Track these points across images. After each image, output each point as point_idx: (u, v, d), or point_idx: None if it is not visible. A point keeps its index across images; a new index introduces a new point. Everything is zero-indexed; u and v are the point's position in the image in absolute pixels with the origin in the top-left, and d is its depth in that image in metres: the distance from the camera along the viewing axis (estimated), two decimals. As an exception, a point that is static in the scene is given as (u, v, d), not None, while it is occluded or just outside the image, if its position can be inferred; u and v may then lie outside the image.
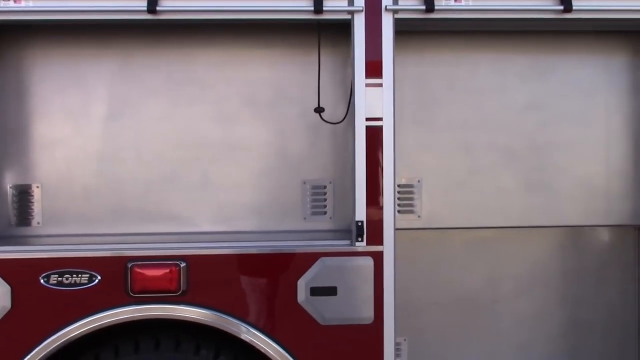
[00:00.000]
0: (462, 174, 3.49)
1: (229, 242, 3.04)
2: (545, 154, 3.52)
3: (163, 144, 3.35)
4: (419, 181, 3.49)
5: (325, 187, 3.41)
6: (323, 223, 3.41)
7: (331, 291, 2.99)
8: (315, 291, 2.99)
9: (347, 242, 3.04)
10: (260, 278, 3.01)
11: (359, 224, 3.02)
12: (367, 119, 3.03)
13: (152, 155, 3.34)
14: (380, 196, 3.04)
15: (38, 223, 3.27)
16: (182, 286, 2.94)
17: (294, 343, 3.01)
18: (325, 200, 3.42)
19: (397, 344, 3.92)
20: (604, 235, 4.02)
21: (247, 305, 3.00)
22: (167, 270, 2.92)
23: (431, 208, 3.49)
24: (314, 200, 3.41)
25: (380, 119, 3.03)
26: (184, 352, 2.99)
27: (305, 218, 3.42)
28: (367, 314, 3.01)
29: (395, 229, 3.09)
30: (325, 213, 3.42)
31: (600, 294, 3.99)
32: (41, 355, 2.88)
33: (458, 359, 3.94)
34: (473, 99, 3.50)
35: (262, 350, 2.98)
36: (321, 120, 3.24)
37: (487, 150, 3.50)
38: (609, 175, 3.54)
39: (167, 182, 3.35)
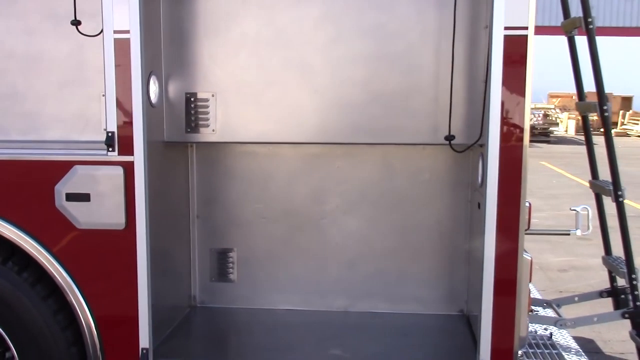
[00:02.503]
0: (257, 89, 3.48)
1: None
2: (340, 68, 3.43)
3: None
4: (213, 95, 3.52)
5: None
6: (124, 135, 3.54)
7: (84, 197, 3.16)
8: (69, 197, 3.17)
9: (102, 151, 3.17)
10: (24, 184, 3.22)
11: (109, 134, 3.14)
12: (115, 32, 3.08)
13: None
14: (131, 109, 3.12)
15: None
16: (-47, 190, 3.21)
17: (55, 244, 3.23)
18: (124, 112, 3.53)
19: (226, 252, 4.08)
20: (439, 154, 3.90)
21: (14, 208, 3.23)
22: None
23: (225, 122, 3.53)
24: (112, 113, 3.53)
25: (127, 32, 3.07)
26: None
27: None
28: (118, 219, 3.17)
29: (147, 141, 3.17)
30: (123, 124, 3.54)
31: (431, 215, 3.92)
32: None
33: (286, 271, 4.05)
34: (266, 12, 3.44)
35: (27, 251, 3.23)
36: None
37: (281, 64, 3.46)
38: (408, 91, 3.40)
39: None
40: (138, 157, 3.14)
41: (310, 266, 4.04)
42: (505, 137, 2.96)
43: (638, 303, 3.45)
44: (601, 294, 3.72)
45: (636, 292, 3.45)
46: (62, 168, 3.18)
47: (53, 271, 3.23)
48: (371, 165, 3.95)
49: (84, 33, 3.21)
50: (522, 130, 2.96)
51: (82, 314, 3.26)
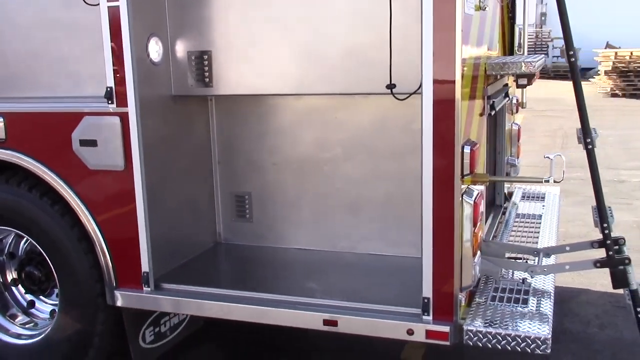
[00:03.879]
0: (243, 46, 3.83)
1: (31, 104, 3.93)
2: (317, 24, 3.66)
3: (28, 25, 4.19)
4: (209, 53, 3.92)
5: None
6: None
7: (93, 143, 3.76)
8: (82, 142, 3.78)
9: (105, 104, 3.72)
10: (51, 131, 3.88)
11: (108, 89, 3.67)
12: (108, 0, 3.59)
13: (18, 34, 4.22)
14: (123, 68, 3.63)
15: None
16: (1, 135, 3.96)
17: (75, 182, 3.87)
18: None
19: (239, 196, 4.53)
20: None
21: (45, 151, 3.92)
22: (-13, 124, 3.97)
23: (219, 77, 3.92)
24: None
25: (117, 0, 3.57)
26: (12, 184, 4.06)
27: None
28: (118, 162, 3.72)
29: (140, 96, 3.66)
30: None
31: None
32: None
33: (296, 214, 4.42)
34: None
35: (54, 187, 3.91)
36: None
37: (264, 22, 3.77)
38: (377, 45, 3.55)
39: (33, 56, 4.25)
40: (132, 109, 3.65)
41: (317, 210, 4.36)
42: (437, 83, 3.05)
43: (610, 253, 3.36)
44: (592, 245, 3.62)
45: (608, 242, 3.36)
46: (77, 118, 3.79)
47: (75, 206, 3.88)
48: (367, 116, 4.14)
49: (88, 3, 3.73)
50: (453, 74, 3.03)
51: (98, 242, 3.89)
